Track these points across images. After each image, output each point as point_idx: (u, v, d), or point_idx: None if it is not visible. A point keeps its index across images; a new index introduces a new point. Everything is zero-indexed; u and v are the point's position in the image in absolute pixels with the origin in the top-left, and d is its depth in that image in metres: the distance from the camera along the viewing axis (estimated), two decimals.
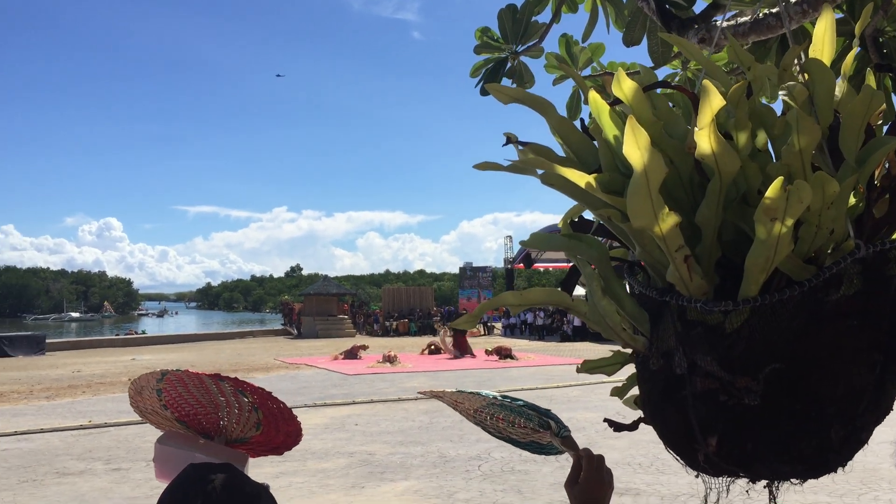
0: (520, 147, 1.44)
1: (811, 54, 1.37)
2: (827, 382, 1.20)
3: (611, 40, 4.36)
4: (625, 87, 1.25)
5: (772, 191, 1.09)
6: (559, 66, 4.55)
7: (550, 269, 51.90)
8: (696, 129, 1.17)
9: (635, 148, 1.14)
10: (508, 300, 1.42)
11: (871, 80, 1.60)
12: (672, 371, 1.28)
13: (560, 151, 1.45)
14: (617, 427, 1.58)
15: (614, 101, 1.33)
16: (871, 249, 1.19)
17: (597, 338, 34.18)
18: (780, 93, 1.21)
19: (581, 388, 17.29)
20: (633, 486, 8.49)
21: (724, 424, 1.23)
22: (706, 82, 1.15)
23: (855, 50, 1.39)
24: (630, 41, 3.72)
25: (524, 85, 4.40)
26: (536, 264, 48.84)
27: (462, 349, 27.74)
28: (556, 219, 1.56)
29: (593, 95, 1.26)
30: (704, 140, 1.15)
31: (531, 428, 1.70)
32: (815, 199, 1.14)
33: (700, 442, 1.26)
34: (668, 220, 1.17)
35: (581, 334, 36.71)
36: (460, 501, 8.14)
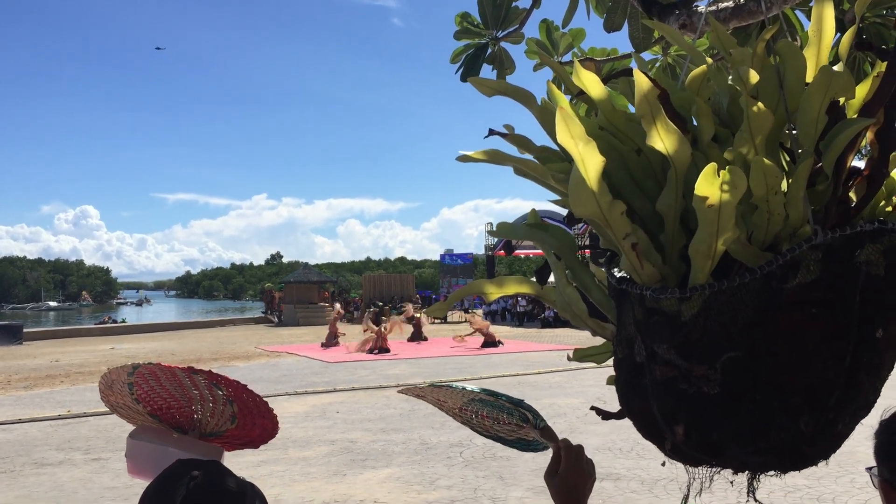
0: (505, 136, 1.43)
1: (810, 35, 1.34)
2: (788, 372, 1.17)
3: (591, 26, 4.35)
4: (584, 78, 1.24)
5: (703, 178, 1.08)
6: (538, 53, 4.54)
7: (531, 255, 52.06)
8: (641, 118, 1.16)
9: (568, 137, 1.13)
10: (482, 288, 1.43)
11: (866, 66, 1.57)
12: (633, 359, 1.28)
13: (546, 140, 1.43)
14: (604, 415, 1.58)
15: (581, 92, 1.33)
16: (831, 235, 1.16)
17: None
18: (729, 77, 1.19)
19: (562, 374, 17.37)
20: (613, 471, 8.56)
21: (686, 413, 1.21)
22: (636, 71, 1.14)
23: (851, 33, 1.34)
24: (611, 27, 3.71)
25: (505, 71, 4.40)
26: (517, 251, 48.93)
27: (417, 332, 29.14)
28: (536, 205, 1.54)
29: (550, 86, 1.27)
30: (650, 129, 1.14)
31: (515, 424, 1.66)
32: (759, 186, 1.12)
33: (665, 430, 1.25)
34: (612, 208, 1.16)
35: (561, 321, 36.86)
36: (442, 488, 8.18)
